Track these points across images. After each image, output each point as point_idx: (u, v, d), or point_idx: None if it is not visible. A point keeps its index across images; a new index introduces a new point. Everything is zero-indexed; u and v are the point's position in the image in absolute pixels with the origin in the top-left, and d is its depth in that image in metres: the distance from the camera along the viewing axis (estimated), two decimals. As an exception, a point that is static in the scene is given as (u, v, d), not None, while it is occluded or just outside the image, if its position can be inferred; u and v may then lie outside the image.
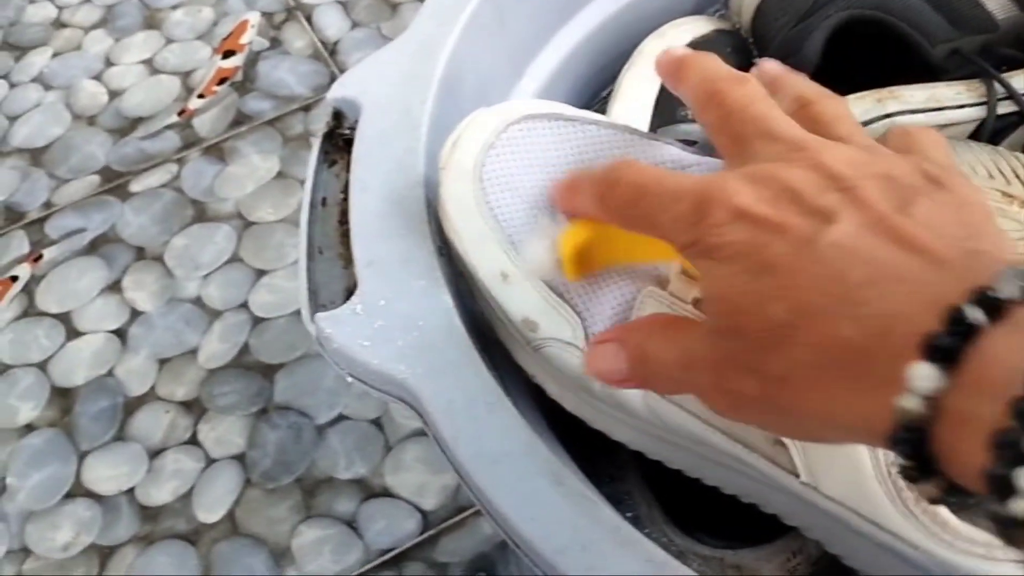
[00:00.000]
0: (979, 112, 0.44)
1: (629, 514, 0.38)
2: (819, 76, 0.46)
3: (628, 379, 0.30)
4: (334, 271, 0.37)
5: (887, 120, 0.45)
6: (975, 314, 0.21)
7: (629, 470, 0.39)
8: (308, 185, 0.40)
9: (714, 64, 0.32)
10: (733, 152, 0.29)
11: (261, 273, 0.65)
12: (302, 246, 0.38)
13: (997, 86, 0.44)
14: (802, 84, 0.32)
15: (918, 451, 0.22)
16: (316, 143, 0.41)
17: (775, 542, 0.35)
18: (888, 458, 0.29)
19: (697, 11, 0.54)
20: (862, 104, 0.45)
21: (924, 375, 0.21)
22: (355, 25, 0.80)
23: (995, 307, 0.21)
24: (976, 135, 0.44)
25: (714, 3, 0.54)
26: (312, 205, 0.40)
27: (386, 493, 0.55)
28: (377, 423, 0.58)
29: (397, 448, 0.56)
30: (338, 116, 0.41)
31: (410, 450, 0.56)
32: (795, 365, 0.24)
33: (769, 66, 0.33)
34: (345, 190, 0.39)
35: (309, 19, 0.81)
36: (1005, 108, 0.44)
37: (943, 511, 0.29)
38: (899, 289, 0.23)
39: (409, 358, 0.33)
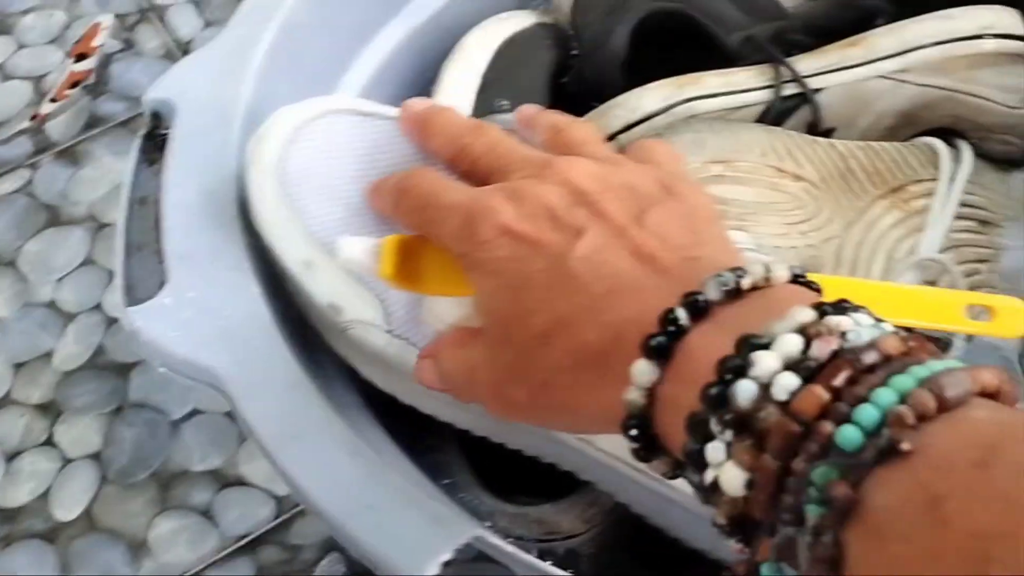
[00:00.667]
0: (768, 95, 0.47)
1: (447, 480, 0.40)
2: (628, 66, 0.50)
3: (443, 390, 0.33)
4: (151, 267, 0.39)
5: (687, 104, 0.48)
6: (683, 316, 0.24)
7: (448, 441, 0.41)
8: (126, 185, 0.41)
9: (453, 119, 0.36)
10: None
11: (114, 274, 0.66)
12: (119, 244, 0.39)
13: (783, 70, 0.47)
14: (554, 116, 0.36)
15: (644, 435, 0.25)
16: (135, 144, 0.43)
17: (571, 496, 0.38)
18: None
19: (520, 6, 0.56)
20: (663, 91, 0.48)
21: (643, 370, 0.25)
22: (208, 24, 0.81)
23: (700, 309, 0.24)
24: (764, 116, 0.47)
25: (538, -3, 0.57)
26: (131, 204, 0.41)
27: (240, 482, 0.56)
28: (230, 415, 0.59)
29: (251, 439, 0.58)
30: (156, 117, 0.43)
31: (262, 441, 0.58)
32: (554, 370, 0.28)
33: (525, 108, 0.38)
34: (162, 188, 0.40)
35: (162, 19, 0.81)
36: (792, 90, 0.47)
37: None
38: (633, 297, 0.27)
39: (215, 346, 0.35)
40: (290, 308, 0.39)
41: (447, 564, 0.29)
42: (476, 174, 0.33)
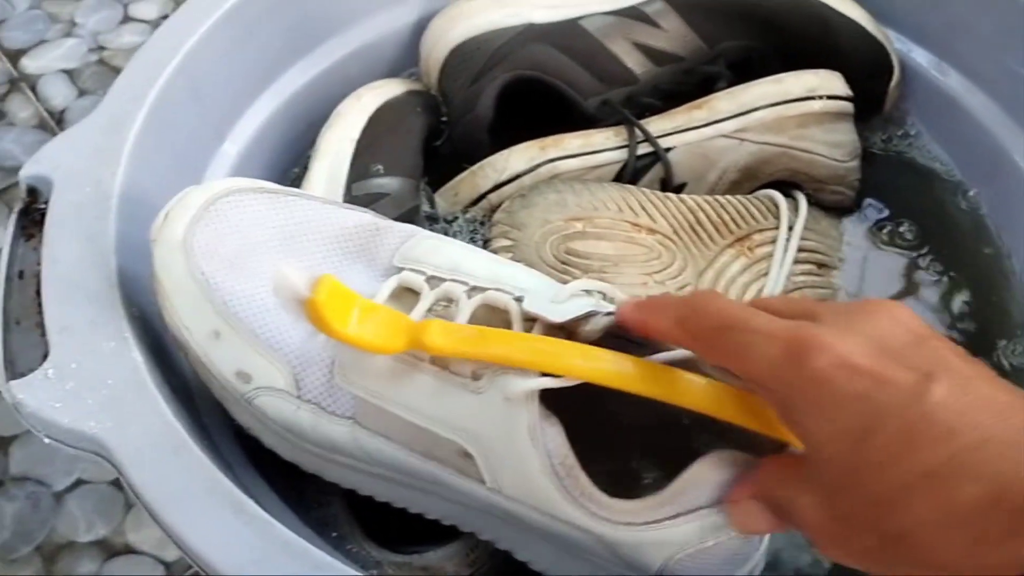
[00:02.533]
0: (624, 154, 0.51)
1: (334, 533, 0.42)
2: (495, 129, 0.53)
3: (778, 530, 0.31)
4: (31, 340, 0.39)
5: (550, 164, 0.51)
6: None
7: (334, 496, 0.42)
8: (3, 260, 0.42)
9: (716, 304, 0.31)
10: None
11: (-9, 347, 0.65)
12: (-3, 318, 0.40)
13: (637, 131, 0.51)
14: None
15: None
16: (12, 219, 0.43)
17: (455, 540, 0.40)
18: (554, 459, 0.33)
19: (391, 74, 0.59)
20: (528, 152, 0.52)
21: None
22: (82, 93, 0.81)
23: None
24: (622, 173, 0.51)
25: (408, 66, 0.60)
26: (8, 278, 0.42)
27: (129, 550, 0.56)
28: (116, 484, 0.59)
29: (137, 506, 0.57)
30: (32, 192, 0.43)
31: (150, 507, 0.58)
32: (916, 524, 0.25)
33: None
34: (41, 262, 0.41)
35: (34, 89, 0.81)
36: (645, 149, 0.51)
37: (596, 493, 0.34)
38: (1007, 451, 0.24)
39: (99, 414, 0.36)
40: (172, 375, 0.40)
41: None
42: (766, 333, 0.29)
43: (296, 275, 0.33)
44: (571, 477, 0.33)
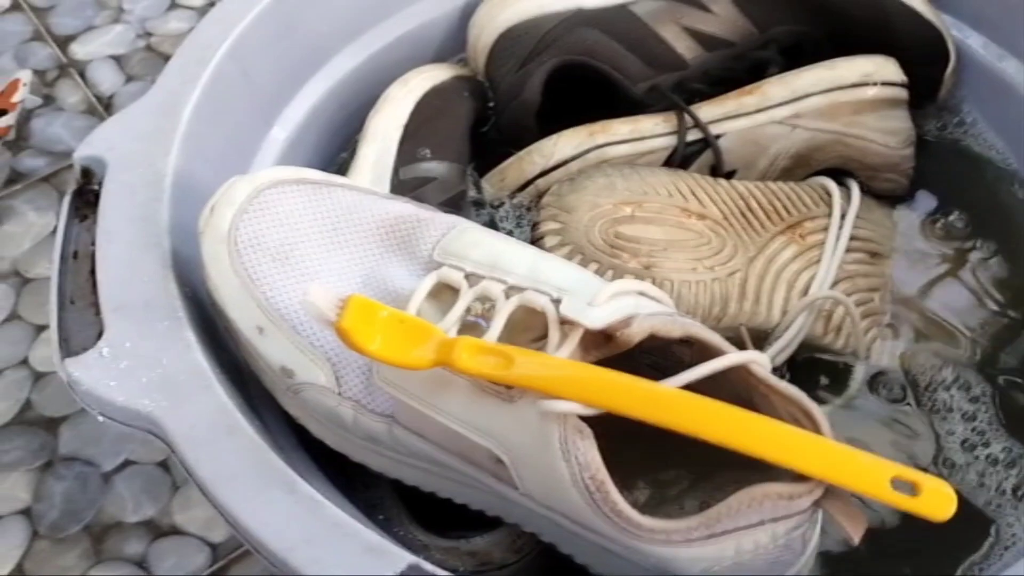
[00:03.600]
0: (673, 140, 0.51)
1: (381, 516, 0.42)
2: (542, 115, 0.53)
3: None
4: (86, 319, 0.40)
5: (598, 150, 0.51)
6: None
7: (381, 480, 0.42)
8: (58, 240, 0.42)
9: None
10: None
11: (41, 328, 0.66)
12: (52, 298, 0.40)
13: (686, 117, 0.51)
14: None
15: None
16: (66, 199, 0.44)
17: (502, 526, 0.40)
18: (585, 472, 0.33)
19: (438, 59, 0.59)
20: (576, 138, 0.51)
21: None
22: (130, 79, 0.82)
23: None
24: (671, 159, 0.50)
25: (455, 51, 0.60)
26: (63, 258, 0.42)
27: (175, 531, 0.57)
28: (163, 465, 0.59)
29: (184, 487, 0.58)
30: (87, 173, 0.44)
31: (197, 488, 0.58)
32: None
33: None
34: (95, 243, 0.42)
35: (83, 75, 0.82)
36: (695, 136, 0.51)
37: (627, 510, 0.33)
38: None
39: (153, 393, 0.36)
40: (224, 354, 0.40)
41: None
42: None
43: (323, 297, 0.33)
44: (601, 492, 0.33)
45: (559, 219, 0.46)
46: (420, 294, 0.37)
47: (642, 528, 0.33)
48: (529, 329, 0.35)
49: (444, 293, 0.38)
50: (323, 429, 0.40)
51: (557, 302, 0.35)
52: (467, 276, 0.37)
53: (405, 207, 0.41)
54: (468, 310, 0.36)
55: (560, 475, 0.33)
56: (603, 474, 0.33)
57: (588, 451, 0.33)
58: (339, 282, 0.38)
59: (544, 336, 0.35)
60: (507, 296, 0.36)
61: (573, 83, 0.53)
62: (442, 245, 0.39)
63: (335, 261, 0.39)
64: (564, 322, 0.34)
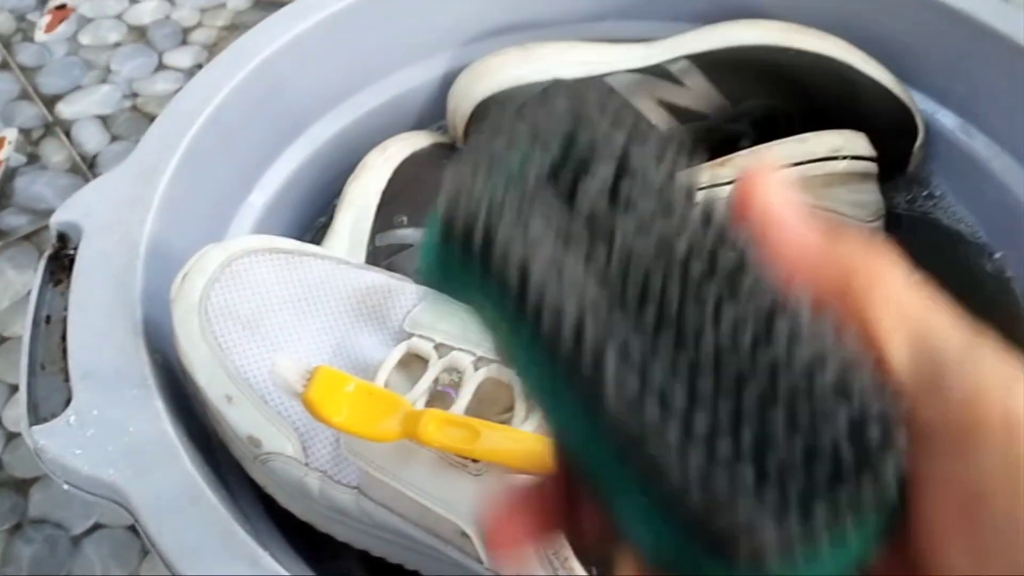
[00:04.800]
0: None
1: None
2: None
3: None
4: (55, 385, 0.40)
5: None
6: None
7: (350, 550, 0.42)
8: (31, 304, 0.43)
9: None
10: None
11: (14, 388, 0.66)
12: (23, 363, 0.41)
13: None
14: None
15: None
16: (40, 264, 0.44)
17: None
18: (550, 548, 0.33)
19: (419, 126, 0.60)
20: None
21: None
22: (114, 138, 0.82)
23: None
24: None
25: (436, 118, 0.61)
26: (35, 323, 0.42)
27: (143, 597, 0.56)
28: (132, 529, 0.58)
29: (153, 552, 0.58)
30: (62, 238, 0.44)
31: (167, 553, 0.58)
32: None
33: None
34: (68, 308, 0.42)
35: (68, 134, 0.83)
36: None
37: None
38: None
39: (118, 462, 0.36)
40: (193, 422, 0.40)
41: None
42: None
43: (290, 368, 0.33)
44: (566, 568, 0.33)
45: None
46: (389, 364, 0.37)
47: None
48: (496, 401, 0.36)
49: (414, 363, 0.38)
50: (290, 499, 0.40)
51: None
52: (436, 346, 0.37)
53: (377, 277, 0.41)
54: (437, 380, 0.37)
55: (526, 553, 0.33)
56: (567, 550, 0.32)
57: None
58: (309, 352, 0.39)
59: (511, 408, 0.35)
60: (475, 368, 0.36)
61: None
62: (413, 315, 0.39)
63: (305, 330, 0.39)
64: None
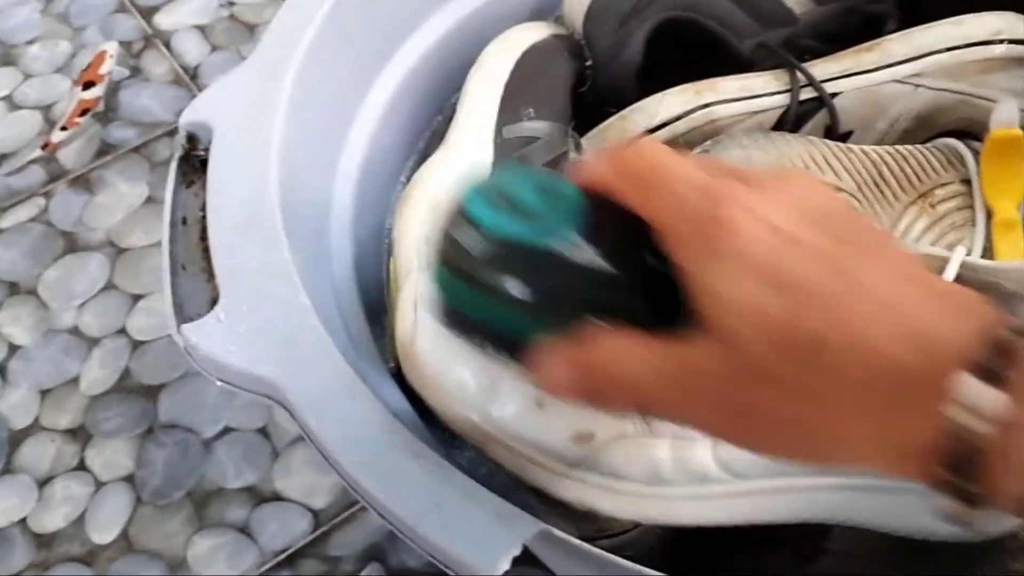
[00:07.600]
0: (785, 99, 0.49)
1: (483, 470, 0.41)
2: (643, 74, 0.51)
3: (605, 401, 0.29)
4: (198, 284, 0.40)
5: (706, 109, 0.49)
6: (1012, 338, 0.22)
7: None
8: (167, 206, 0.42)
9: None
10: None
11: (137, 298, 0.67)
12: (164, 264, 0.40)
13: (799, 75, 0.49)
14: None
15: (965, 463, 0.22)
16: (173, 166, 0.44)
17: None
18: None
19: (536, 17, 0.58)
20: (683, 96, 0.49)
21: (989, 397, 0.21)
22: (214, 49, 0.82)
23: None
24: (783, 119, 0.48)
25: (552, 9, 0.58)
26: (172, 225, 0.42)
27: (276, 497, 0.57)
28: (263, 431, 0.60)
29: (284, 454, 0.59)
30: (192, 139, 0.44)
31: (297, 454, 0.58)
32: (828, 381, 0.24)
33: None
34: (204, 208, 0.41)
35: (168, 45, 0.82)
36: (807, 94, 0.49)
37: None
38: (932, 308, 0.23)
39: (272, 358, 0.35)
40: (340, 319, 0.40)
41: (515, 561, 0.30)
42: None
43: None
44: None
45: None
46: None
47: None
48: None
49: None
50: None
51: None
52: None
53: None
54: None
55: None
56: None
57: None
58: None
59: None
60: None
61: (674, 41, 0.52)
62: None
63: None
64: None
